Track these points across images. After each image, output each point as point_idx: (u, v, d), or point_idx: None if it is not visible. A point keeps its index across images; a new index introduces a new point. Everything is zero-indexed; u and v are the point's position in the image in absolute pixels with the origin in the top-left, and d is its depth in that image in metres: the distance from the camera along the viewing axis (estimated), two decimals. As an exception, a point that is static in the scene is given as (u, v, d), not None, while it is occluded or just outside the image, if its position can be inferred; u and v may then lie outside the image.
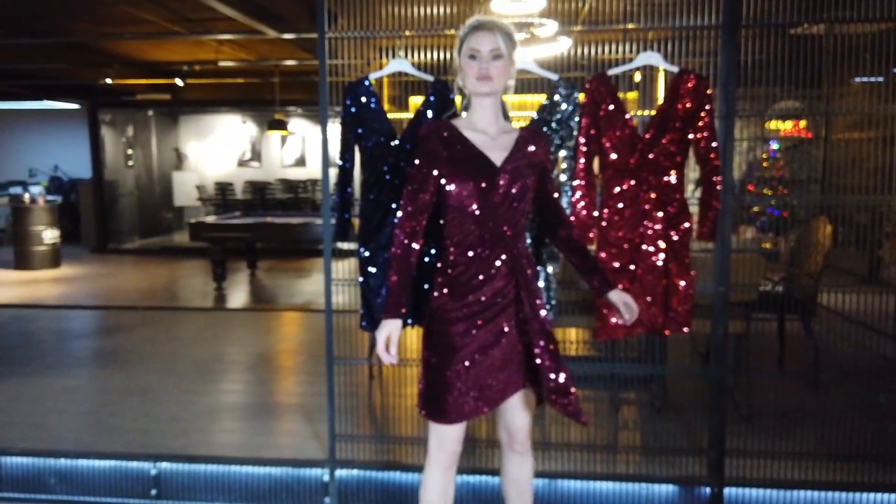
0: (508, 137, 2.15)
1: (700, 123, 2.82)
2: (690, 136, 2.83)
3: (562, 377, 2.07)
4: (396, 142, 2.98)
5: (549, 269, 2.97)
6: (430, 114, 2.96)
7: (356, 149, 3.07)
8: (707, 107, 2.81)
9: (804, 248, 4.40)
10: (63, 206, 11.42)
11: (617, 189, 2.89)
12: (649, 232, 2.85)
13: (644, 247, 2.86)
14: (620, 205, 2.89)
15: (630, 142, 2.84)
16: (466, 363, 2.10)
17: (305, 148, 14.68)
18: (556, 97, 2.90)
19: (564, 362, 2.11)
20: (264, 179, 14.33)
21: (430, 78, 3.03)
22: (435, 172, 2.09)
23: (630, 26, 3.05)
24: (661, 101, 2.91)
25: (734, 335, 3.79)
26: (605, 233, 2.92)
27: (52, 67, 10.35)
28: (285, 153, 14.81)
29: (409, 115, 3.13)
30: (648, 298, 2.88)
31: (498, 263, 2.11)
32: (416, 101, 3.19)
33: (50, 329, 6.19)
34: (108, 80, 10.62)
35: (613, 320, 2.93)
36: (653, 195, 2.85)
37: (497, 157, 2.10)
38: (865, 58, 3.21)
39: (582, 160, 2.90)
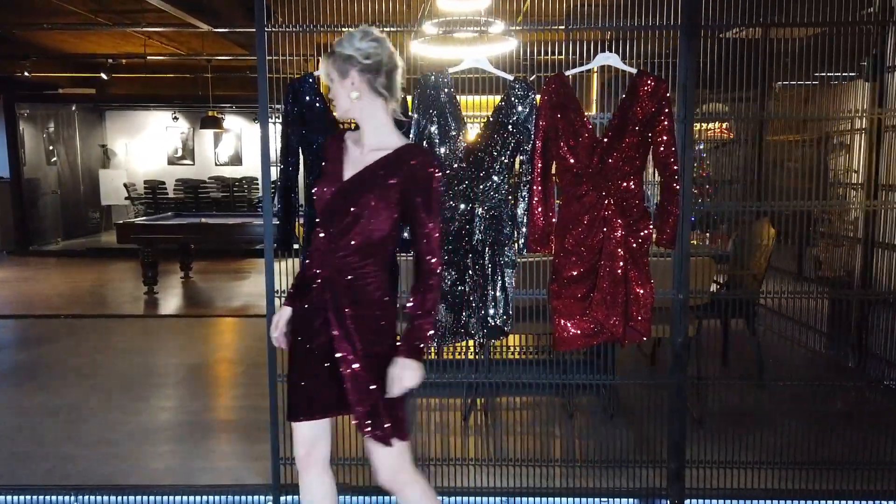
0: (374, 155, 2.08)
1: (659, 127, 2.74)
2: (650, 139, 2.75)
3: (363, 408, 2.05)
4: (343, 144, 2.79)
5: (506, 277, 2.84)
6: (379, 115, 2.78)
7: (299, 151, 2.86)
8: (666, 110, 2.74)
9: (748, 250, 4.43)
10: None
11: (575, 195, 2.78)
12: (609, 239, 2.75)
13: (603, 254, 2.76)
14: (578, 211, 2.78)
15: (589, 146, 2.74)
16: (299, 368, 2.15)
17: (241, 146, 14.25)
18: (512, 98, 2.77)
19: (369, 394, 2.04)
20: (197, 178, 13.80)
21: (379, 76, 2.85)
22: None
23: (568, 27, 2.94)
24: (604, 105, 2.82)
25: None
26: (563, 240, 2.81)
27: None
28: (220, 151, 14.32)
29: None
30: (607, 308, 2.78)
31: (318, 273, 2.10)
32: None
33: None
34: (27, 73, 9.97)
35: (572, 331, 2.83)
36: (612, 201, 2.75)
37: (350, 171, 2.10)
38: (786, 63, 3.25)
39: (539, 164, 2.78)
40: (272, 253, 2.94)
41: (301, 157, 2.87)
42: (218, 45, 9.01)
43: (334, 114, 2.22)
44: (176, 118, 13.75)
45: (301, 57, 3.08)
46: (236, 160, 14.32)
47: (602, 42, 2.90)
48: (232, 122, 13.60)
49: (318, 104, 2.80)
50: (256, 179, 13.89)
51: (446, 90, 2.79)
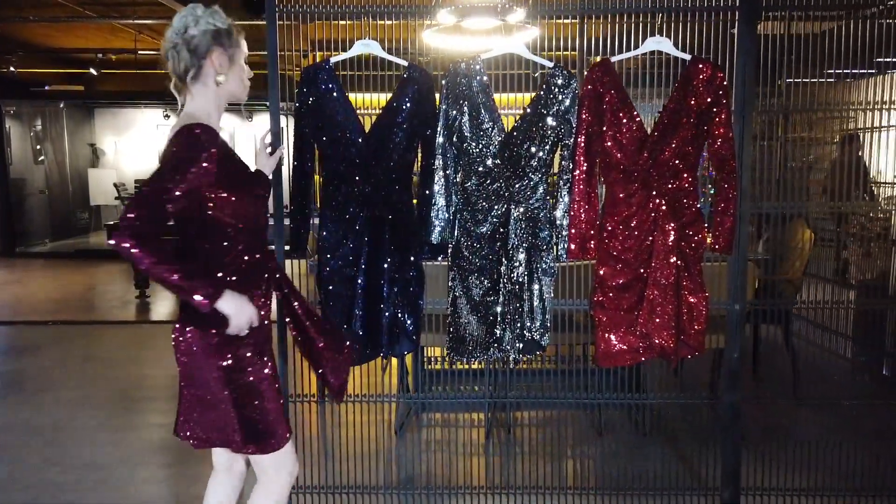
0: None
1: (716, 120, 2.47)
2: (705, 133, 2.48)
3: None
4: (362, 137, 2.50)
5: (544, 286, 2.56)
6: (407, 105, 2.49)
7: (315, 146, 2.57)
8: (724, 101, 2.47)
9: (783, 253, 4.17)
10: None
11: (622, 195, 2.50)
12: (659, 243, 2.48)
13: (653, 260, 2.48)
14: (626, 213, 2.50)
15: (638, 140, 2.46)
16: None
17: (235, 144, 13.90)
18: (552, 88, 2.49)
19: None
20: (190, 178, 13.42)
21: (403, 62, 2.56)
22: (204, 184, 1.75)
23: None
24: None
25: (717, 350, 3.51)
26: (608, 245, 2.53)
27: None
28: (212, 150, 13.97)
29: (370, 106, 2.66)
30: (657, 320, 2.51)
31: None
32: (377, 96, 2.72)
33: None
34: (12, 69, 9.60)
35: (617, 345, 2.55)
36: (663, 201, 2.48)
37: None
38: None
39: (582, 161, 2.50)
40: (282, 258, 2.64)
41: (316, 152, 2.58)
42: (212, 39, 8.66)
43: (244, 97, 1.96)
44: (167, 116, 13.37)
45: (300, 52, 2.79)
46: (229, 160, 13.96)
47: (643, 27, 2.62)
48: (224, 119, 13.21)
49: (335, 93, 2.50)
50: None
51: (478, 78, 2.50)
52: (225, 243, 1.81)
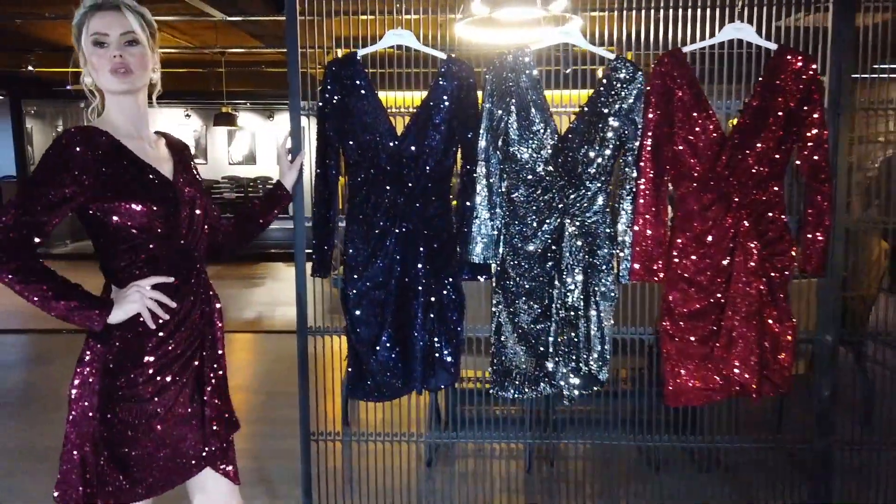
0: (164, 148, 1.77)
1: (808, 120, 2.11)
2: (794, 135, 2.12)
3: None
4: (393, 141, 2.19)
5: (602, 311, 2.22)
6: (445, 103, 2.17)
7: (340, 150, 2.26)
8: (815, 97, 2.11)
9: (857, 268, 3.77)
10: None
11: (696, 207, 2.16)
12: (740, 265, 2.13)
13: (733, 285, 2.14)
14: (700, 228, 2.16)
15: (715, 143, 2.12)
16: None
17: (255, 144, 13.70)
18: (614, 82, 2.15)
19: None
20: (211, 178, 13.24)
21: (441, 55, 2.24)
22: (81, 192, 1.56)
23: None
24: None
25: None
26: (679, 266, 2.18)
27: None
28: (233, 150, 13.78)
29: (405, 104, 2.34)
30: (737, 352, 2.16)
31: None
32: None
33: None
34: (31, 68, 9.44)
35: (689, 382, 2.21)
36: (745, 216, 2.13)
37: (166, 169, 1.70)
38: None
39: (648, 167, 2.16)
40: (304, 277, 2.33)
41: (341, 157, 2.26)
42: (231, 36, 8.44)
43: (120, 87, 1.62)
44: (188, 115, 13.23)
45: (321, 49, 2.47)
46: (250, 159, 13.77)
47: (708, 17, 2.26)
48: (246, 119, 13.05)
49: (364, 90, 2.19)
50: (271, 179, 13.34)
51: (527, 72, 2.17)
52: (118, 247, 1.60)
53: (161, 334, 1.62)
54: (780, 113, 2.09)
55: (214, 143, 13.63)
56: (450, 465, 3.32)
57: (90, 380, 1.60)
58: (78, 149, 1.51)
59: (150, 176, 1.61)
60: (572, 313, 2.19)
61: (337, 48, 2.51)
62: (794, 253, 2.17)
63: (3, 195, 11.03)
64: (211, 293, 1.77)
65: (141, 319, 1.58)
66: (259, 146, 13.64)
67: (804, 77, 2.10)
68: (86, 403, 1.60)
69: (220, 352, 1.78)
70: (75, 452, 1.60)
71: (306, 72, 2.39)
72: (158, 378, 1.61)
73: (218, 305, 1.79)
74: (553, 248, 2.20)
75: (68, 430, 1.62)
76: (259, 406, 4.18)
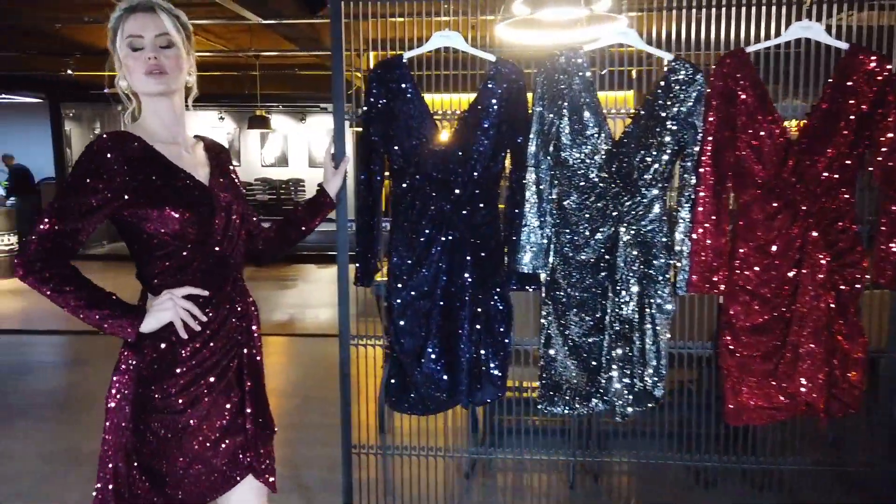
0: (202, 152, 1.73)
1: (882, 124, 1.98)
2: (867, 142, 2.00)
3: None
4: (439, 146, 2.11)
5: (658, 324, 2.11)
6: (494, 107, 2.09)
7: (384, 156, 2.19)
8: (890, 99, 1.98)
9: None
10: (26, 203, 10.35)
11: (760, 216, 2.04)
12: (807, 277, 2.01)
13: (800, 298, 2.02)
14: (764, 238, 2.04)
15: (781, 148, 2.00)
16: None
17: (287, 146, 13.78)
18: (672, 84, 2.05)
19: None
20: (243, 180, 13.31)
21: (490, 57, 2.16)
22: (115, 198, 1.53)
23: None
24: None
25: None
26: (741, 278, 2.07)
27: (6, 56, 9.30)
28: (266, 152, 13.88)
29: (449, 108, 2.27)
30: (803, 369, 2.04)
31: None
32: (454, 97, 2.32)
33: (-9, 362, 5.22)
34: (70, 72, 9.59)
35: (751, 401, 2.09)
36: (813, 225, 2.01)
37: (201, 174, 1.66)
38: None
39: (709, 173, 2.05)
40: (346, 285, 2.27)
41: (386, 163, 2.20)
42: (265, 39, 8.47)
43: (155, 88, 1.58)
44: (222, 118, 13.35)
45: (352, 52, 2.40)
46: (283, 161, 13.86)
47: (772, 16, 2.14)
48: (278, 121, 13.12)
49: (410, 93, 2.11)
50: (303, 181, 13.40)
51: (581, 74, 2.08)
52: (152, 254, 1.57)
53: (195, 344, 1.57)
54: (851, 116, 1.97)
55: (247, 146, 13.73)
56: (490, 478, 3.23)
57: (125, 390, 1.57)
58: (109, 155, 1.48)
59: (185, 181, 1.57)
60: (627, 326, 2.09)
61: (373, 51, 2.44)
62: (865, 265, 2.04)
63: (43, 197, 11.24)
64: (248, 300, 1.73)
65: (174, 328, 1.54)
66: (291, 148, 13.71)
67: (878, 78, 1.97)
68: (120, 413, 1.56)
69: (257, 359, 1.73)
70: (110, 465, 1.57)
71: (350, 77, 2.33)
72: (192, 388, 1.57)
73: (255, 312, 1.74)
74: (606, 257, 2.10)
75: (105, 441, 1.59)
76: (293, 411, 4.14)
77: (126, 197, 1.51)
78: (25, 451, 3.61)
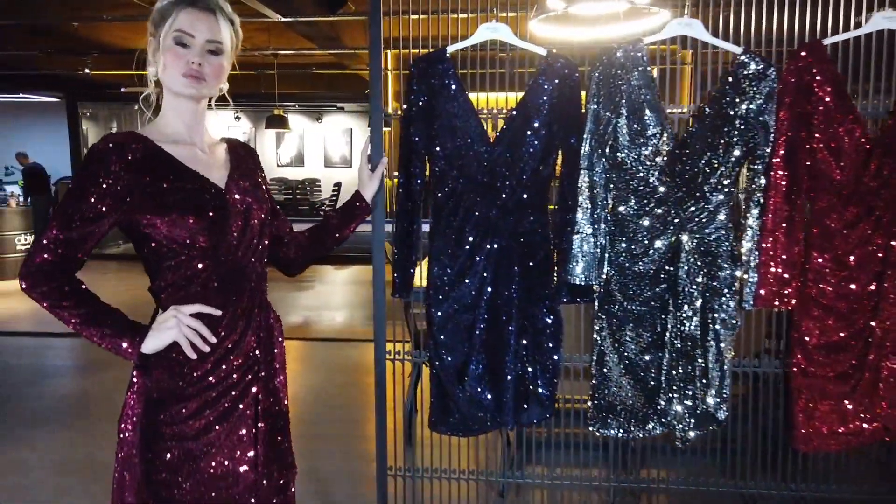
0: (223, 152, 1.60)
1: (976, 122, 1.81)
2: (958, 142, 1.82)
3: None
4: (485, 147, 1.96)
5: (723, 341, 1.94)
6: (545, 105, 1.93)
7: (426, 158, 2.03)
8: (984, 96, 1.80)
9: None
10: (41, 203, 10.31)
11: (837, 224, 1.87)
12: (890, 291, 1.83)
13: (881, 314, 1.84)
14: (842, 248, 1.87)
15: (862, 152, 1.83)
16: None
17: (304, 146, 13.69)
18: (741, 80, 1.88)
19: None
20: (259, 180, 13.26)
21: (541, 50, 2.00)
22: (119, 203, 1.42)
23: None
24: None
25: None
26: (815, 291, 1.90)
27: (24, 55, 9.26)
28: (282, 151, 13.80)
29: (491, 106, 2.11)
30: (884, 390, 1.86)
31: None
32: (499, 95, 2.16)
33: (9, 366, 5.12)
34: (87, 71, 9.52)
35: (824, 426, 1.92)
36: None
37: (217, 177, 1.51)
38: None
39: (781, 178, 1.88)
40: (382, 297, 2.11)
41: (427, 166, 2.04)
42: (284, 38, 8.35)
43: (187, 91, 1.48)
44: (238, 117, 13.28)
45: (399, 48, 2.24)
46: (298, 161, 13.78)
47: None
48: (294, 121, 13.03)
49: (453, 90, 1.96)
50: (319, 181, 13.32)
51: (640, 69, 1.91)
52: (161, 264, 1.45)
53: (207, 364, 1.43)
54: (941, 114, 1.80)
55: (263, 145, 13.67)
56: (524, 496, 3.07)
57: (135, 414, 1.45)
58: (110, 158, 1.37)
59: (196, 184, 1.44)
60: (689, 343, 1.93)
61: (394, 49, 2.28)
62: (954, 278, 1.86)
63: (60, 195, 11.21)
64: (270, 315, 1.58)
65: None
66: (307, 148, 13.63)
67: (971, 72, 1.80)
68: (131, 439, 1.44)
69: (279, 379, 1.59)
70: (121, 494, 1.45)
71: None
72: (208, 412, 1.43)
73: (278, 329, 1.60)
74: (667, 268, 1.94)
75: (116, 468, 1.47)
76: (313, 421, 3.99)
77: (130, 201, 1.39)
78: (42, 460, 3.50)
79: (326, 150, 13.66)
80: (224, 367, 1.46)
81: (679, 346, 1.93)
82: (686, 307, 1.91)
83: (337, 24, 7.87)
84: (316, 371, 4.99)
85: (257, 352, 1.52)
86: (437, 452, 2.38)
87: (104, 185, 1.36)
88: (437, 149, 1.98)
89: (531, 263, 1.99)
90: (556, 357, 2.03)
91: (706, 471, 2.38)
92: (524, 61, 2.09)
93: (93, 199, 1.36)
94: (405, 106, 2.01)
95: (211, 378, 1.44)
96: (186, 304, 1.43)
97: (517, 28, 2.15)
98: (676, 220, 1.92)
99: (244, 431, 1.49)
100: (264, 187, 1.62)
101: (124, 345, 1.39)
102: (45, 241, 1.36)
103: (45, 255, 1.36)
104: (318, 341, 5.94)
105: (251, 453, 1.50)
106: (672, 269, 1.93)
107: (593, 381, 2.04)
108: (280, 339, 1.61)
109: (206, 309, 1.43)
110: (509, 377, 1.99)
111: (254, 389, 1.51)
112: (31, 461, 3.48)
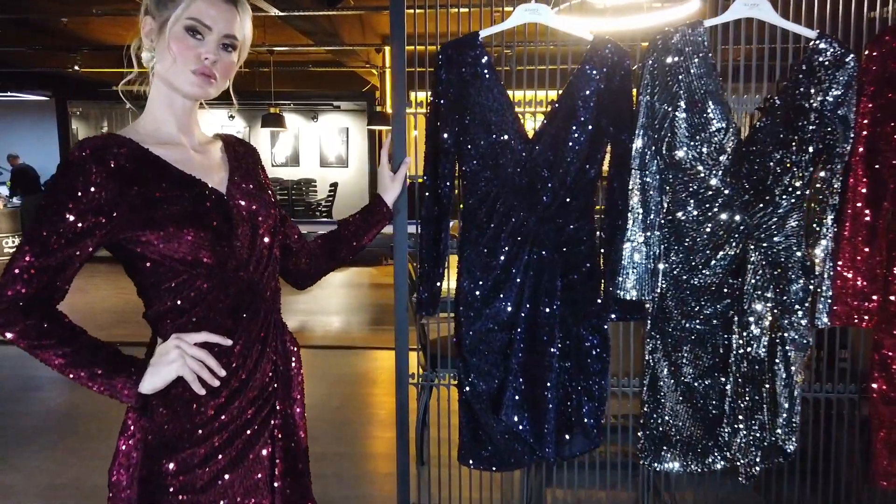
0: (217, 150, 1.40)
1: None
2: None
3: None
4: (524, 145, 1.72)
5: (793, 364, 1.72)
6: (591, 96, 1.70)
7: (455, 157, 1.80)
8: None
9: None
10: (30, 204, 10.03)
11: (927, 231, 1.65)
12: None
13: (978, 333, 1.62)
14: (932, 258, 1.65)
15: (958, 148, 1.60)
16: None
17: (299, 146, 13.44)
18: (816, 68, 1.65)
19: None
20: (254, 180, 13.00)
21: (586, 34, 1.76)
22: (103, 220, 1.19)
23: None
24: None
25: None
26: (900, 306, 1.68)
27: (10, 51, 8.98)
28: (276, 151, 13.54)
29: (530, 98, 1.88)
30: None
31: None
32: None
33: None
34: (76, 68, 9.24)
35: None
36: None
37: (217, 180, 1.31)
38: None
39: (862, 178, 1.65)
40: (404, 316, 1.88)
41: (456, 165, 1.81)
42: (279, 34, 8.11)
43: (195, 91, 1.28)
44: (232, 117, 13.01)
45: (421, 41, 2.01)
46: (294, 161, 13.52)
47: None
48: (289, 120, 12.79)
49: (487, 79, 1.72)
50: (314, 181, 13.06)
51: (700, 55, 1.68)
52: (159, 287, 1.24)
53: (220, 399, 1.23)
54: None
55: (258, 145, 13.32)
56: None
57: (130, 464, 1.23)
58: (89, 167, 1.16)
59: (193, 190, 1.23)
60: (755, 366, 1.70)
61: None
62: None
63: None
64: (286, 338, 1.38)
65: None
66: (303, 148, 13.37)
67: None
68: (127, 494, 1.23)
69: (297, 411, 1.38)
70: None
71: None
72: (220, 456, 1.23)
73: (295, 351, 1.40)
74: (731, 281, 1.71)
75: None
76: (318, 438, 3.75)
77: (116, 217, 1.17)
78: (27, 483, 3.24)
79: (322, 150, 13.42)
80: (237, 402, 1.25)
81: (745, 369, 1.70)
82: (753, 325, 1.69)
83: (335, 19, 7.63)
84: (317, 383, 4.74)
85: (274, 383, 1.31)
86: (447, 472, 2.14)
87: (84, 200, 1.15)
88: (469, 147, 1.74)
89: (575, 276, 1.76)
90: (602, 382, 1.80)
91: (748, 498, 2.15)
92: (555, 58, 1.85)
93: (71, 218, 1.15)
94: (432, 98, 1.77)
95: (223, 416, 1.23)
96: (190, 332, 1.21)
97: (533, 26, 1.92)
98: (742, 227, 1.69)
99: (260, 476, 1.28)
100: (269, 187, 1.41)
101: (119, 385, 1.19)
102: (17, 271, 1.14)
103: (19, 288, 1.14)
104: (317, 349, 5.70)
105: (269, 496, 1.29)
106: (736, 282, 1.70)
107: (645, 409, 1.81)
108: (297, 365, 1.40)
109: (213, 338, 1.22)
110: (550, 405, 1.75)
111: (270, 425, 1.30)
112: (16, 485, 3.23)
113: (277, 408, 1.32)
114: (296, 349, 1.42)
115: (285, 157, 13.54)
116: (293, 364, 1.39)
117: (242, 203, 1.29)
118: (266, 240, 1.32)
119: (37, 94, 11.59)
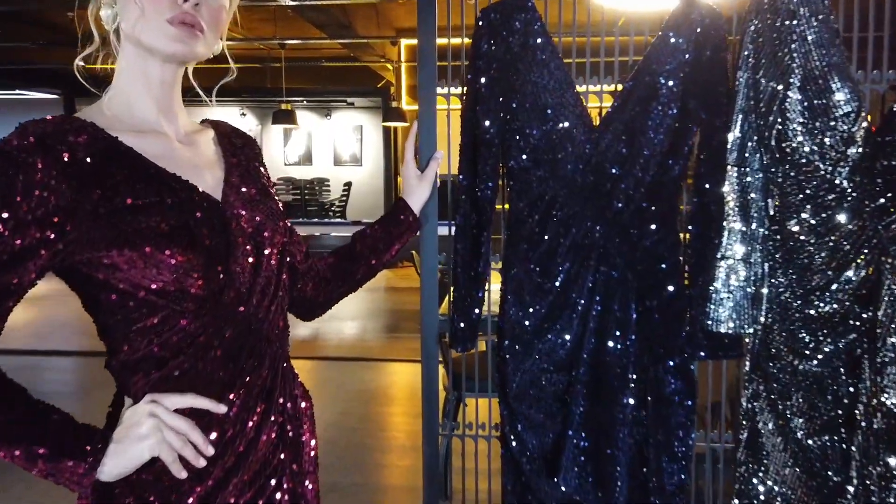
0: (209, 142, 1.07)
1: None
2: None
3: None
4: (588, 135, 1.35)
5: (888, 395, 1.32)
6: (676, 72, 1.32)
7: (499, 149, 1.42)
8: None
9: None
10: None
11: None
12: None
13: None
14: None
15: None
16: None
17: (312, 144, 13.17)
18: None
19: None
20: (266, 180, 12.77)
21: (670, -8, 1.38)
22: (52, 235, 0.86)
23: None
24: None
25: None
26: None
27: (17, 47, 8.74)
28: (289, 150, 13.29)
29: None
30: None
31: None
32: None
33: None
34: (82, 64, 8.99)
35: None
36: None
37: (209, 180, 0.99)
38: None
39: None
40: (434, 352, 1.50)
41: (500, 163, 1.43)
42: (290, 28, 7.79)
43: (177, 48, 0.94)
44: (243, 114, 12.77)
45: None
46: (307, 160, 13.26)
47: None
48: (302, 117, 12.51)
49: (541, 50, 1.34)
50: (328, 181, 12.77)
51: (819, 17, 1.29)
52: (128, 329, 0.92)
53: (207, 483, 0.90)
54: None
55: (270, 143, 13.15)
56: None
57: None
58: (34, 161, 0.83)
59: (178, 195, 0.92)
60: (893, 421, 1.31)
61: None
62: None
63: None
64: (297, 393, 1.03)
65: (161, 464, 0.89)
66: (315, 146, 13.09)
67: None
68: None
69: (309, 488, 1.04)
70: None
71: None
72: None
73: (307, 408, 1.06)
74: (857, 310, 1.32)
75: None
76: (332, 466, 3.39)
77: (70, 231, 0.84)
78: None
79: (336, 148, 13.13)
80: (232, 485, 0.92)
81: (877, 425, 1.31)
82: (889, 367, 1.30)
83: (349, 9, 7.29)
84: (331, 401, 4.38)
85: (281, 453, 0.98)
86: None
87: (23, 208, 0.83)
88: (518, 137, 1.36)
89: (654, 302, 1.38)
90: (687, 438, 1.41)
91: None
92: (612, 48, 1.47)
93: (6, 233, 0.83)
94: (469, 77, 1.40)
95: (216, 500, 0.91)
96: (169, 394, 0.90)
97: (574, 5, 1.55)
98: (875, 241, 1.30)
99: None
100: (272, 191, 1.07)
101: (68, 472, 0.86)
102: None
103: None
104: (331, 360, 5.36)
105: None
106: (866, 311, 1.31)
107: (741, 470, 1.43)
108: (310, 425, 1.06)
109: (202, 402, 0.90)
110: (620, 468, 1.37)
111: (284, 498, 0.99)
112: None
113: (284, 486, 0.98)
114: (308, 404, 1.06)
115: (298, 156, 13.29)
116: (305, 426, 1.05)
117: (243, 213, 0.97)
118: (273, 262, 0.98)
119: (45, 92, 11.41)
